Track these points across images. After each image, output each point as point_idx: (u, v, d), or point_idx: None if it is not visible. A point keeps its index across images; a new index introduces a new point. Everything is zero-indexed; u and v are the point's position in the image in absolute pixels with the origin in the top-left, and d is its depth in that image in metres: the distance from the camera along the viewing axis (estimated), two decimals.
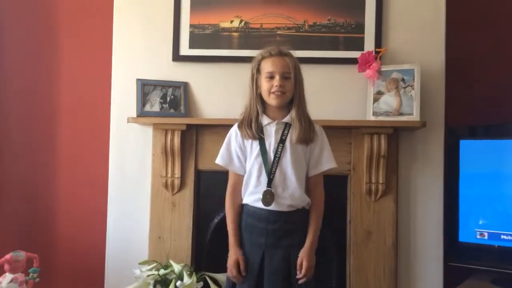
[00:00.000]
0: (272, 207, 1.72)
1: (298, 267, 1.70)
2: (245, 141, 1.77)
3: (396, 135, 2.26)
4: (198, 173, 2.36)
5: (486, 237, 2.12)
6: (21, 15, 2.72)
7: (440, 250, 2.27)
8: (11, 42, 2.71)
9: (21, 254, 2.22)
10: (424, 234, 2.29)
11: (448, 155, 2.26)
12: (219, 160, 1.83)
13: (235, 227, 1.78)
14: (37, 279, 2.23)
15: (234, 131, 1.82)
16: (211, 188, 2.35)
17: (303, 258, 1.71)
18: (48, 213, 2.67)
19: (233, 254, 1.75)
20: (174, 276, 2.13)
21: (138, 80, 2.33)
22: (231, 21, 2.38)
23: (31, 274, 2.22)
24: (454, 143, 2.22)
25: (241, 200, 1.80)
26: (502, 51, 2.60)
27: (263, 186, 1.73)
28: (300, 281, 1.69)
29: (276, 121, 1.75)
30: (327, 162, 1.79)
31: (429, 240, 2.28)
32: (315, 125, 1.79)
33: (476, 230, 2.15)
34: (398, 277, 2.27)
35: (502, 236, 2.08)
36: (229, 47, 2.37)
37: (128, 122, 2.29)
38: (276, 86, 1.71)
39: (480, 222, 2.14)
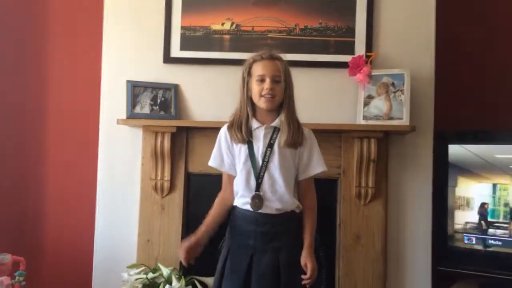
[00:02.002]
0: (261, 210, 1.72)
1: (304, 268, 1.73)
2: (234, 144, 1.77)
3: (386, 139, 2.27)
4: (188, 176, 2.35)
5: (474, 242, 2.14)
6: (9, 15, 2.68)
7: (429, 254, 2.29)
8: None
9: (7, 257, 2.19)
10: (413, 238, 2.30)
11: (437, 160, 2.28)
12: (212, 162, 1.84)
13: (211, 220, 1.80)
14: (23, 283, 2.20)
15: (223, 132, 1.81)
16: (201, 191, 2.34)
17: (306, 261, 1.73)
18: (35, 215, 2.63)
19: (193, 236, 1.78)
20: (162, 279, 2.12)
21: (128, 81, 2.32)
22: (223, 24, 2.38)
23: (17, 278, 2.18)
24: (443, 148, 2.23)
25: (230, 201, 1.80)
26: (491, 57, 2.63)
27: (252, 190, 1.73)
28: (305, 282, 1.72)
29: (265, 126, 1.75)
30: (317, 166, 1.79)
31: (418, 243, 2.30)
32: (304, 129, 1.79)
33: (464, 235, 2.16)
34: (387, 281, 2.28)
35: (490, 241, 2.10)
36: (220, 49, 2.37)
37: (117, 123, 2.27)
38: (267, 89, 1.71)
39: (468, 227, 2.16)
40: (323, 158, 1.81)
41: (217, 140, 1.83)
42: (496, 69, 2.63)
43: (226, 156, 1.80)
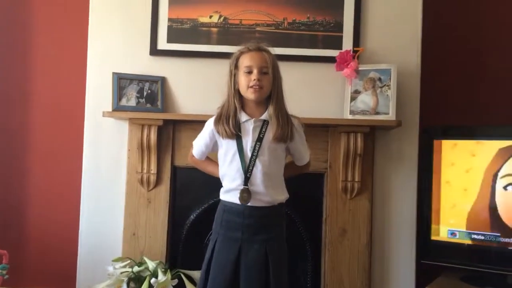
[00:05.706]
0: (249, 203, 1.72)
1: None
2: (221, 138, 1.77)
3: (372, 133, 2.29)
4: (175, 169, 2.33)
5: (457, 236, 2.17)
6: None
7: (413, 248, 2.31)
8: None
9: None
10: (398, 231, 2.33)
11: (422, 154, 2.30)
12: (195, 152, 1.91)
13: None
14: (6, 276, 2.17)
15: (210, 128, 1.81)
16: (187, 184, 2.33)
17: None
18: (19, 208, 2.60)
19: None
20: (148, 273, 2.11)
21: (114, 73, 2.29)
22: (210, 16, 2.36)
23: (0, 271, 2.16)
24: (428, 143, 2.26)
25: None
26: (477, 53, 2.66)
27: (240, 184, 1.73)
28: None
29: (253, 119, 1.75)
30: (307, 154, 1.90)
31: (402, 237, 2.32)
32: (294, 120, 1.79)
33: (448, 229, 2.19)
34: (371, 274, 2.30)
35: (473, 235, 2.13)
36: (208, 42, 2.35)
37: (103, 116, 2.24)
38: (254, 80, 1.71)
39: (452, 221, 2.18)
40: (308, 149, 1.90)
41: (203, 132, 1.84)
42: (483, 64, 2.65)
43: (205, 148, 1.87)
